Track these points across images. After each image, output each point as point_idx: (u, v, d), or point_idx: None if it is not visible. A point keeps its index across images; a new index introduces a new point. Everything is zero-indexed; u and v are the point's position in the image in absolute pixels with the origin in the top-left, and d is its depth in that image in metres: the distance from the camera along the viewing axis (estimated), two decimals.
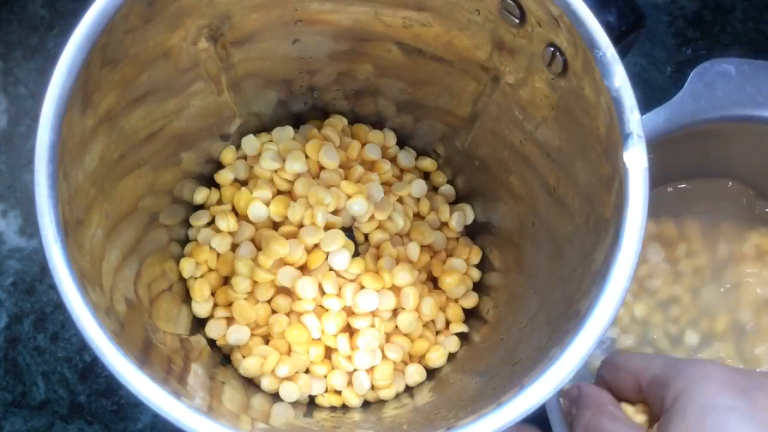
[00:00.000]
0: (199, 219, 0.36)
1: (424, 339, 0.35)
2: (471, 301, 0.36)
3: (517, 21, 0.27)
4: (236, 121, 0.36)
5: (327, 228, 0.35)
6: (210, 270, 0.35)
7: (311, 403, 0.35)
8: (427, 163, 0.38)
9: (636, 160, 0.24)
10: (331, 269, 0.35)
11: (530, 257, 0.32)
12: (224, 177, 0.36)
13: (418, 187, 0.37)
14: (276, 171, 0.36)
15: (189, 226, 0.36)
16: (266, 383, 0.34)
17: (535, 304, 0.30)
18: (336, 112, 0.38)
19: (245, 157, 0.37)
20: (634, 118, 0.24)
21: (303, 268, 0.35)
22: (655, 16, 0.45)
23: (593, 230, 0.26)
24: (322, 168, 0.36)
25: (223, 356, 0.35)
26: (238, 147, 0.37)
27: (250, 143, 0.37)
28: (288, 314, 0.34)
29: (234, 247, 0.35)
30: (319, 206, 0.34)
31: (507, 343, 0.31)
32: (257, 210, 0.35)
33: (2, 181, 0.42)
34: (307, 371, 0.34)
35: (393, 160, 0.38)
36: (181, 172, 0.35)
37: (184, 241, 0.36)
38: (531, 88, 0.29)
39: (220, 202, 0.36)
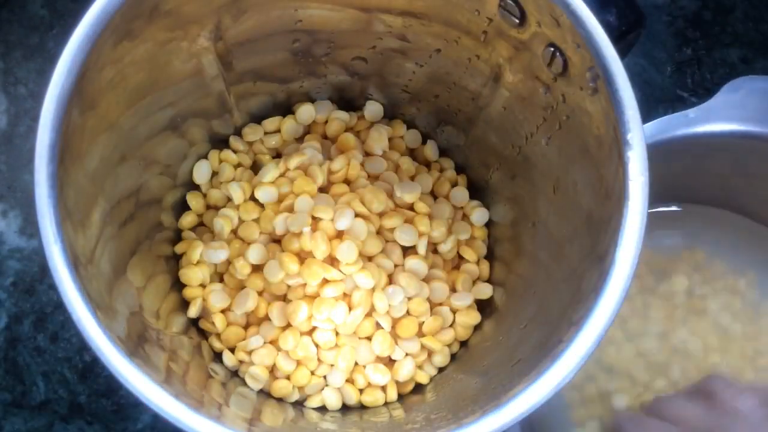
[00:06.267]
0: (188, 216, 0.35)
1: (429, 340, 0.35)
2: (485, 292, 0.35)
3: (517, 21, 0.27)
4: (236, 120, 0.36)
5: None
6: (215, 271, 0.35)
7: (310, 403, 0.35)
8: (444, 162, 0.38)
9: (636, 160, 0.24)
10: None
11: (530, 257, 0.32)
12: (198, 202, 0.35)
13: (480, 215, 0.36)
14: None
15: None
16: (266, 383, 0.33)
17: (535, 304, 0.30)
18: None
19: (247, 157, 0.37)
20: (634, 119, 0.24)
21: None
22: (655, 16, 0.45)
23: (593, 230, 0.26)
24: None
25: (221, 356, 0.35)
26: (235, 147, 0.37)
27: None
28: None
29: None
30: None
31: (507, 343, 0.31)
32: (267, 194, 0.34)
33: (2, 181, 0.42)
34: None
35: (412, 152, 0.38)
36: (181, 172, 0.35)
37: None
38: (531, 89, 0.29)
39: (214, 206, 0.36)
